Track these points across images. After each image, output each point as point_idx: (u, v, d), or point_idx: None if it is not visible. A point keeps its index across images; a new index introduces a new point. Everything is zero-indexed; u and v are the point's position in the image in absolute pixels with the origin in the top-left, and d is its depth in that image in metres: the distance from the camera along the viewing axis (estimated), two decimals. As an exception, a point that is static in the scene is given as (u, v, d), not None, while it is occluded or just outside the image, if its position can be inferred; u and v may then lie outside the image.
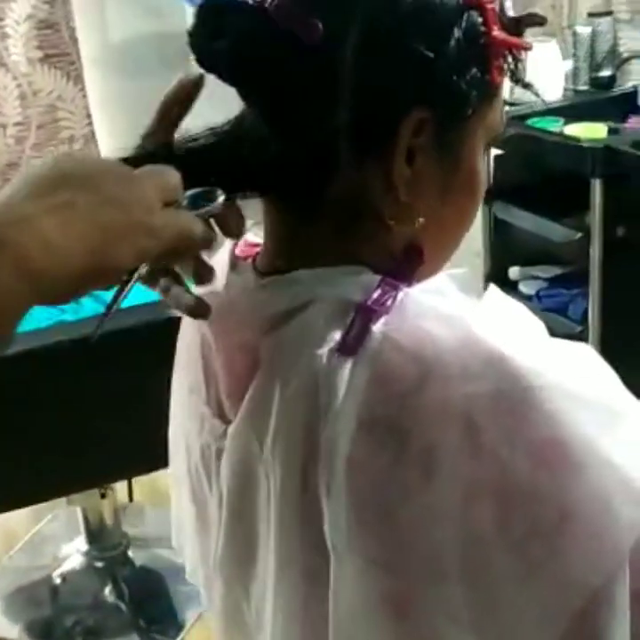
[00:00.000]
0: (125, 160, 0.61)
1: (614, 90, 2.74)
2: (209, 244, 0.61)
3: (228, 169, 0.64)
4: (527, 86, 0.68)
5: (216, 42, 0.61)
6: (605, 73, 2.73)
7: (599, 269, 2.32)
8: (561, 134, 2.43)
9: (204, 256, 0.66)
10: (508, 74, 0.65)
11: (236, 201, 0.64)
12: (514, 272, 2.73)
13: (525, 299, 2.58)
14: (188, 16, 2.23)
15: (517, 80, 0.66)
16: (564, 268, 2.66)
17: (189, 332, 0.78)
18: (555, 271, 2.67)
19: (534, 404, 0.57)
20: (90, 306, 1.62)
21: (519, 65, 0.65)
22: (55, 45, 2.76)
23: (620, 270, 2.30)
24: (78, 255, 0.50)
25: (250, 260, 0.71)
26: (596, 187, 2.24)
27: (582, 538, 0.57)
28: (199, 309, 0.66)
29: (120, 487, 2.28)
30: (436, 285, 0.65)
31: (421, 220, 0.63)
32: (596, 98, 2.72)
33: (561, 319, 2.49)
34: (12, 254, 0.49)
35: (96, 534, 2.32)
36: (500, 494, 0.57)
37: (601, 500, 0.57)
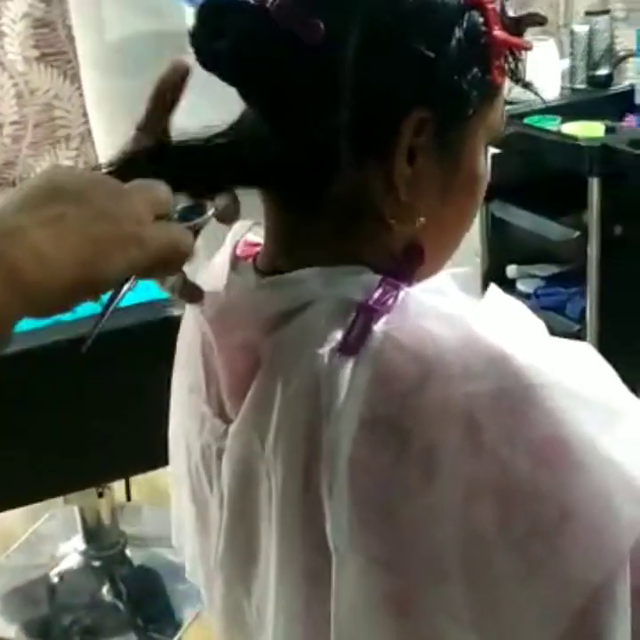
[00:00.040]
0: (121, 162, 0.61)
1: (611, 88, 2.74)
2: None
3: (228, 168, 0.64)
4: (527, 86, 0.68)
5: (216, 42, 0.61)
6: (602, 71, 2.73)
7: (597, 268, 2.32)
8: (558, 133, 2.43)
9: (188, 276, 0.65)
10: (509, 73, 0.65)
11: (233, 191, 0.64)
12: (511, 270, 2.73)
13: (523, 297, 2.58)
14: (186, 15, 2.23)
15: (518, 80, 0.66)
16: (562, 267, 2.66)
17: (190, 332, 0.77)
18: (552, 270, 2.68)
19: (535, 402, 0.57)
20: (87, 305, 1.62)
21: (519, 65, 0.65)
22: (52, 44, 2.76)
23: (618, 269, 2.30)
24: (70, 267, 0.51)
25: (250, 260, 0.71)
26: (594, 185, 2.24)
27: (583, 536, 0.57)
28: (192, 294, 0.66)
29: (117, 486, 2.28)
30: (437, 285, 0.65)
31: (422, 219, 0.63)
32: (594, 96, 2.72)
33: (559, 318, 2.50)
34: (4, 266, 0.49)
35: (93, 533, 2.32)
36: (500, 493, 0.57)
37: (601, 498, 0.57)
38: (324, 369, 0.61)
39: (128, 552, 2.37)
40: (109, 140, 2.79)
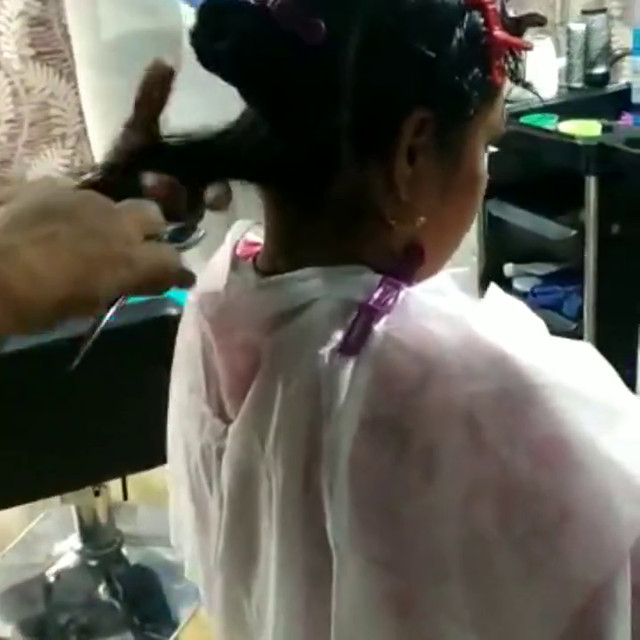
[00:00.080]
0: (121, 163, 0.61)
1: (608, 87, 2.74)
2: (188, 279, 0.60)
3: (228, 167, 0.64)
4: (527, 86, 0.68)
5: (217, 42, 0.61)
6: (599, 70, 2.73)
7: (594, 266, 2.32)
8: (555, 132, 2.43)
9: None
10: (509, 74, 0.65)
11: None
12: (508, 269, 2.73)
13: (520, 296, 2.58)
14: (182, 14, 2.23)
15: (517, 80, 0.66)
16: (559, 266, 2.66)
17: (190, 331, 0.77)
18: (549, 268, 2.68)
19: (536, 402, 0.58)
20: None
21: (519, 65, 0.65)
22: (47, 43, 2.76)
23: (615, 267, 2.30)
24: (62, 285, 0.51)
25: (250, 260, 0.71)
26: (591, 184, 2.24)
27: (583, 536, 0.57)
28: (184, 277, 0.65)
29: (114, 485, 2.28)
30: (437, 285, 0.65)
31: (422, 219, 0.64)
32: (590, 95, 2.72)
33: (556, 316, 2.49)
34: None
35: (90, 532, 2.31)
36: (501, 493, 0.57)
37: (602, 498, 0.57)
38: (325, 369, 0.61)
39: (124, 551, 2.36)
40: (105, 138, 2.78)
